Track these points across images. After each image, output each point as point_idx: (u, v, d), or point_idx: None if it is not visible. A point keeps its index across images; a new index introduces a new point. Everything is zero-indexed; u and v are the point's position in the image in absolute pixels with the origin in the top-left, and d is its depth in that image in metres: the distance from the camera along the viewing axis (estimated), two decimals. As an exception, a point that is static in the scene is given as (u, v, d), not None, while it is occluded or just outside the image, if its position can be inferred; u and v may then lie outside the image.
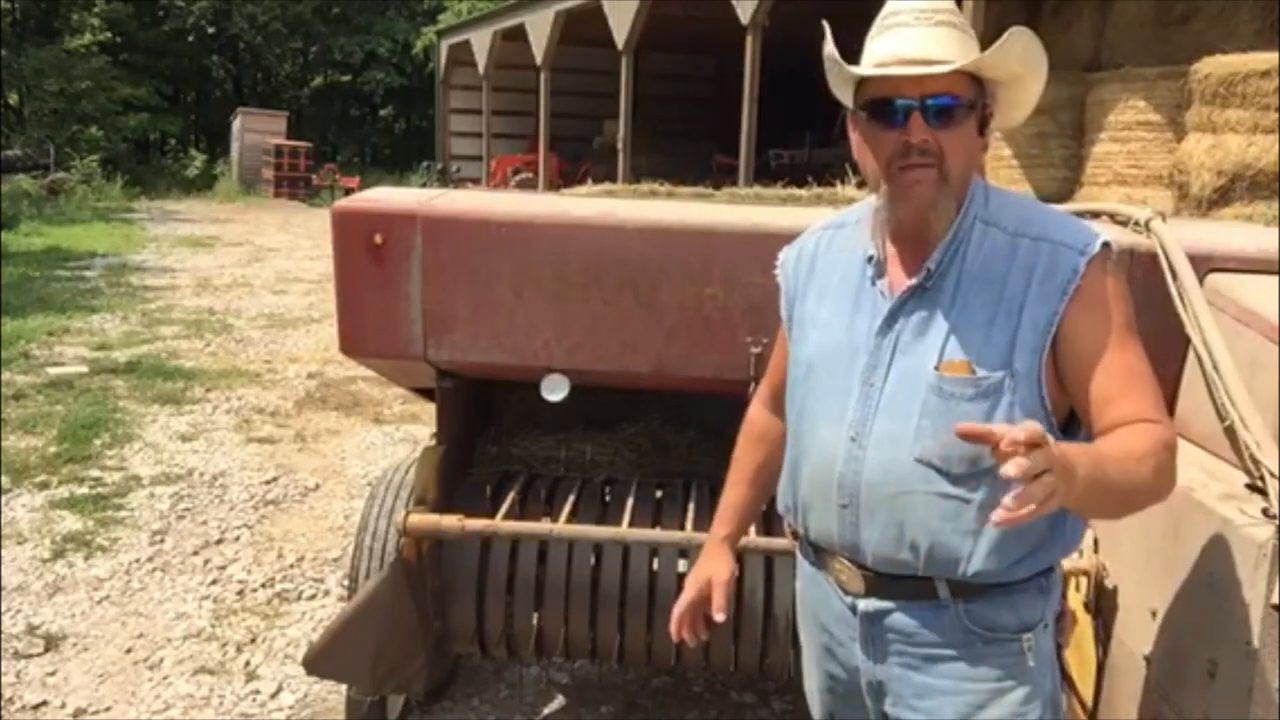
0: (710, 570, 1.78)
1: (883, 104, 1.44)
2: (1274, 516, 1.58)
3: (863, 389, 1.50)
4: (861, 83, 1.48)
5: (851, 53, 1.50)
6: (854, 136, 1.52)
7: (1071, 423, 1.49)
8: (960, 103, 1.42)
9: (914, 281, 1.49)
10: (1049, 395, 1.44)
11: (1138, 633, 1.89)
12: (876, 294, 1.52)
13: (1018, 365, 1.42)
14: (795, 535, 1.69)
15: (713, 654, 2.58)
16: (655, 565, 2.59)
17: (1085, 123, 9.00)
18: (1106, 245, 1.44)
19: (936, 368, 1.45)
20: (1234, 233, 2.46)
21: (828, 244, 1.65)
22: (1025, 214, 1.50)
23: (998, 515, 1.14)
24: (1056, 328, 1.42)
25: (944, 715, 1.51)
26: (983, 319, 1.44)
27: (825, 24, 1.56)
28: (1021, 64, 1.46)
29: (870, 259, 1.54)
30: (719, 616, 1.72)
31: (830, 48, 1.49)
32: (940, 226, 1.47)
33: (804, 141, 18.21)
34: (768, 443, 1.78)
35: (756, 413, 1.84)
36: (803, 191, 3.87)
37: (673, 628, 1.78)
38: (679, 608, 1.77)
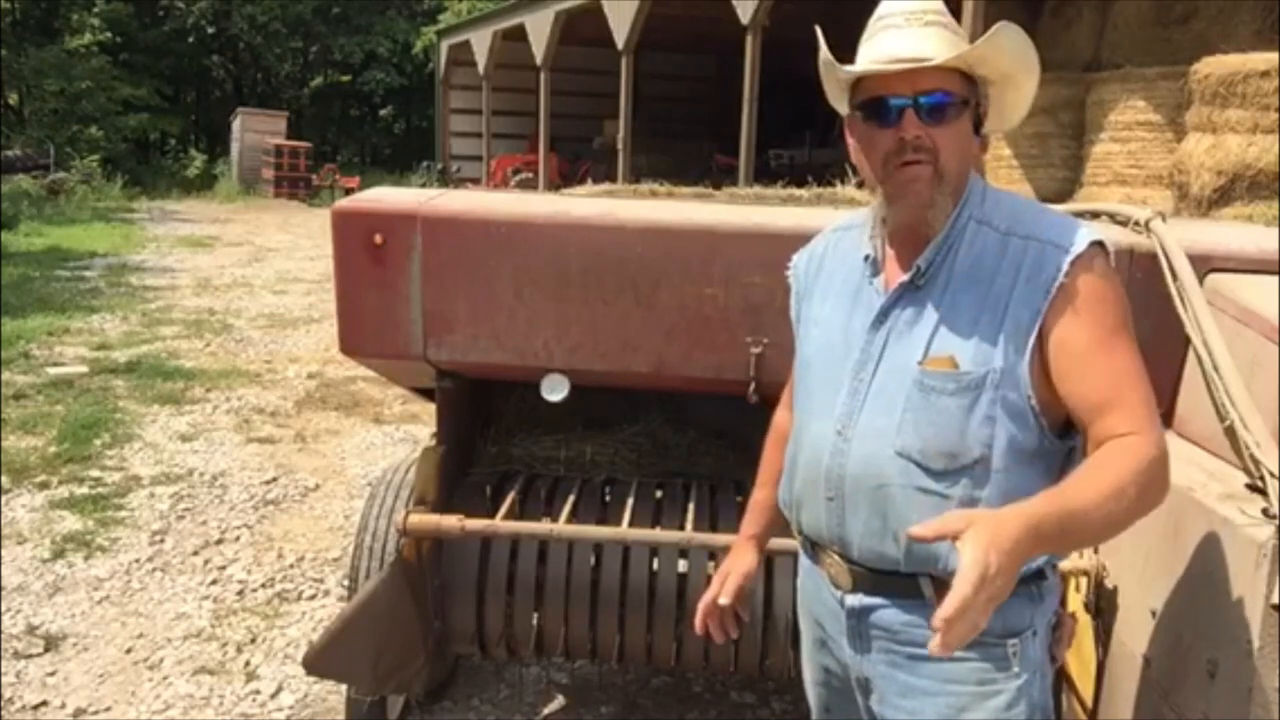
0: (730, 566, 1.83)
1: (877, 103, 1.46)
2: (1274, 516, 1.58)
3: (852, 384, 1.53)
4: (856, 84, 1.50)
5: (852, 51, 1.52)
6: (851, 140, 1.54)
7: (1070, 425, 1.48)
8: (953, 99, 1.44)
9: (904, 279, 1.51)
10: (1037, 397, 1.44)
11: (1138, 633, 1.89)
12: (872, 292, 1.55)
13: (1001, 362, 1.43)
14: (798, 530, 1.70)
15: (713, 654, 2.59)
16: (655, 565, 2.59)
17: (1085, 123, 9.01)
18: (1096, 244, 1.44)
19: (921, 362, 1.46)
20: (1234, 233, 2.45)
21: (835, 245, 1.68)
22: (1018, 213, 1.51)
23: (933, 646, 1.17)
24: (1040, 327, 1.42)
25: (925, 715, 1.52)
26: (970, 316, 1.46)
27: (818, 29, 1.57)
28: (1012, 61, 1.48)
29: (868, 258, 1.56)
30: (724, 601, 1.76)
31: (824, 51, 1.51)
32: (938, 224, 1.49)
33: (804, 141, 18.22)
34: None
35: (780, 414, 1.86)
36: (803, 191, 3.86)
37: (696, 622, 1.80)
38: (702, 603, 1.80)
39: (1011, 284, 1.44)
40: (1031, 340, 1.43)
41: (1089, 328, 1.41)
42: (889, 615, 1.54)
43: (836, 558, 1.58)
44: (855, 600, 1.56)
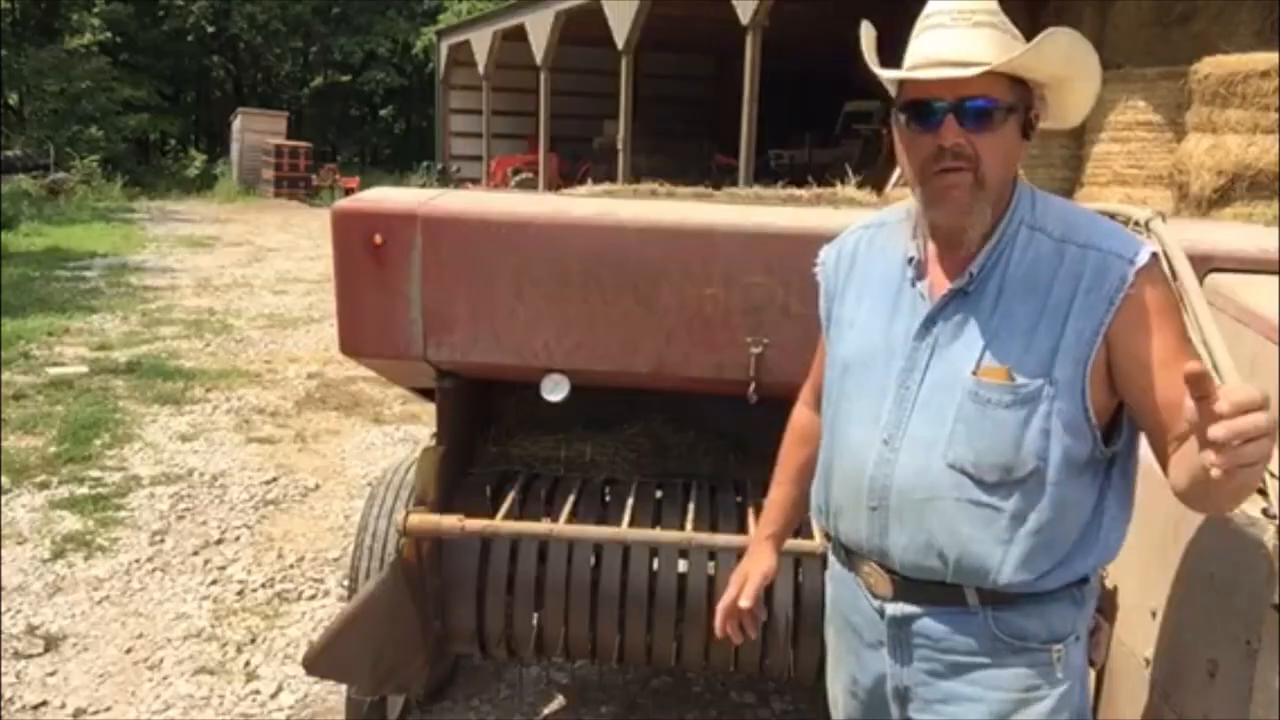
0: (749, 566, 1.81)
1: (919, 106, 1.42)
2: (1274, 516, 1.58)
3: (898, 391, 1.48)
4: (902, 83, 1.46)
5: (852, 50, 1.50)
6: (896, 138, 1.50)
7: (1113, 432, 1.46)
8: (997, 105, 1.40)
9: (956, 284, 1.46)
10: (1092, 406, 1.41)
11: (1138, 633, 1.89)
12: (916, 296, 1.51)
13: (1059, 374, 1.40)
14: (828, 537, 1.68)
15: (712, 654, 2.58)
16: (655, 565, 2.59)
17: (1085, 123, 8.99)
18: (1154, 255, 1.42)
19: (974, 372, 1.43)
20: (1234, 233, 2.45)
21: (868, 243, 1.63)
22: (1071, 219, 1.48)
23: (1212, 460, 1.08)
24: (1105, 338, 1.39)
25: None
26: (1025, 325, 1.42)
27: (865, 25, 1.51)
28: (1065, 65, 1.43)
29: (911, 260, 1.52)
30: (744, 603, 1.75)
31: (868, 52, 1.47)
32: (975, 232, 1.45)
33: (804, 141, 18.25)
34: (811, 442, 1.76)
35: (800, 412, 1.83)
36: (803, 191, 3.86)
37: (716, 625, 1.80)
38: (721, 605, 1.79)
39: (1071, 294, 1.41)
40: (1094, 351, 1.40)
41: (1162, 338, 1.39)
42: (932, 623, 1.51)
43: (876, 567, 1.54)
44: (896, 609, 1.54)
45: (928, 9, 1.45)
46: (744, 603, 1.75)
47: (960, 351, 1.45)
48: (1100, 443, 1.44)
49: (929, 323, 1.48)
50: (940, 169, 1.41)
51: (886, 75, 1.43)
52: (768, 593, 2.50)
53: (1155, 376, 1.38)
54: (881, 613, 1.56)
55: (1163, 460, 1.40)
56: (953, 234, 1.46)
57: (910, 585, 1.51)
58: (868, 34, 1.50)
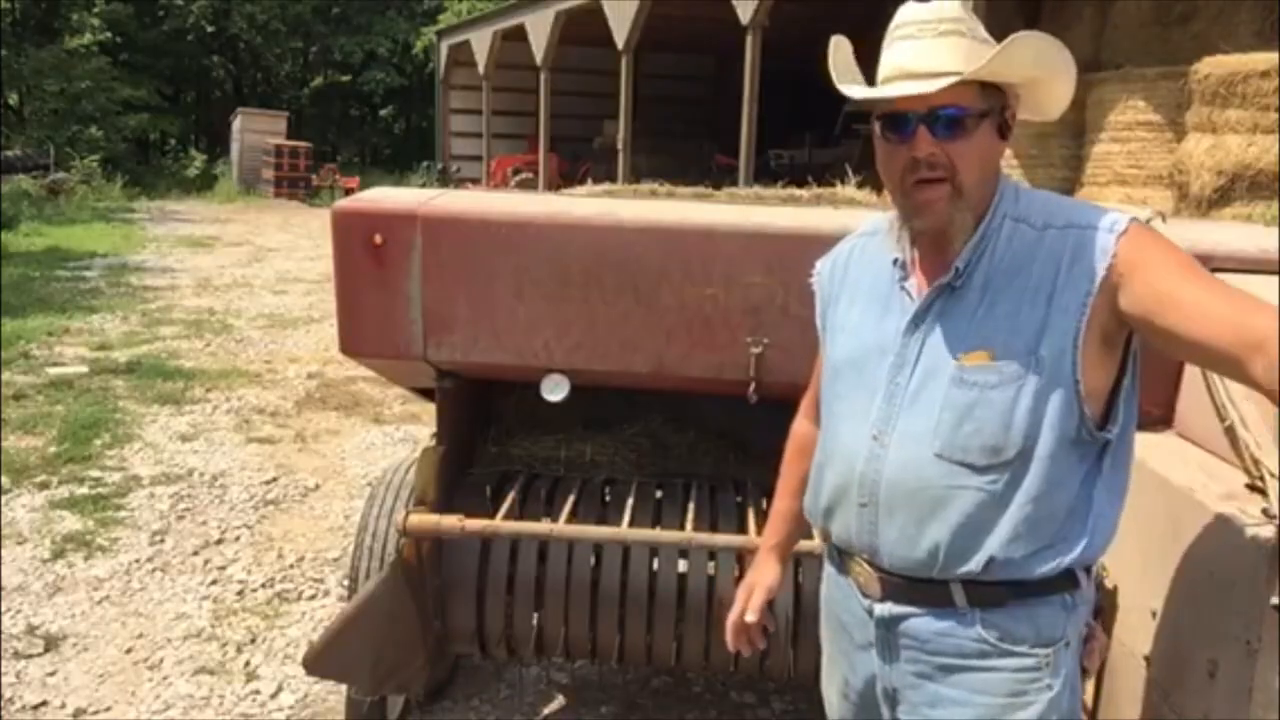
0: (754, 579, 1.83)
1: (892, 118, 1.43)
2: (1274, 516, 1.58)
3: (888, 388, 1.50)
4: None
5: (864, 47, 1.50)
6: (876, 148, 1.51)
7: (1111, 411, 1.46)
8: (969, 112, 1.40)
9: (942, 280, 1.48)
10: (1085, 382, 1.41)
11: (1138, 633, 1.89)
12: (904, 295, 1.52)
13: (1045, 351, 1.40)
14: (825, 538, 1.69)
15: (712, 654, 2.58)
16: (655, 565, 2.59)
17: (1085, 123, 9.00)
18: (1135, 219, 1.42)
19: (958, 360, 1.44)
20: (1234, 233, 2.45)
21: (861, 250, 1.65)
22: (1052, 208, 1.49)
23: None
24: (1099, 304, 1.38)
25: None
26: (1008, 309, 1.43)
27: (832, 48, 1.52)
28: (1035, 67, 1.44)
29: (896, 261, 1.54)
30: (750, 618, 1.78)
31: (833, 75, 1.49)
32: (958, 241, 1.47)
33: (804, 141, 18.24)
34: (811, 454, 1.76)
35: (800, 424, 1.84)
36: (803, 191, 3.86)
37: (728, 641, 1.82)
38: (730, 621, 1.81)
39: (1054, 272, 1.41)
40: (1081, 323, 1.39)
41: (1172, 274, 1.35)
42: (919, 624, 1.51)
43: (866, 566, 1.55)
44: (885, 609, 1.54)
45: (896, 19, 1.46)
46: (750, 617, 1.78)
47: (947, 343, 1.46)
48: (1091, 424, 1.44)
49: (917, 319, 1.50)
50: (917, 180, 1.43)
51: (855, 94, 1.45)
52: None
53: (1179, 297, 1.32)
54: (871, 612, 1.56)
55: (1249, 382, 1.27)
56: (936, 237, 1.49)
57: (899, 585, 1.52)
58: (839, 48, 1.51)
